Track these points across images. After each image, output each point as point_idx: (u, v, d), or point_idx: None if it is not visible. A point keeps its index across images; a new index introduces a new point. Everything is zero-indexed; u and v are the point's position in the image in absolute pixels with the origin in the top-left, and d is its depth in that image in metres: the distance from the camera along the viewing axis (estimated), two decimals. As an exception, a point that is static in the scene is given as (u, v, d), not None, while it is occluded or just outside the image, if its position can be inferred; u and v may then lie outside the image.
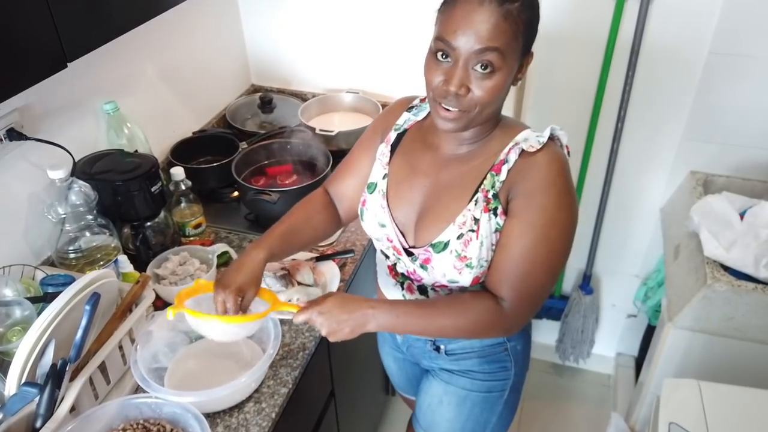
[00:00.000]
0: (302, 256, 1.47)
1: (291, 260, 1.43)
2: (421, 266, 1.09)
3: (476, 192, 1.02)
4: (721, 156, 1.81)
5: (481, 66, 0.91)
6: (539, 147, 0.98)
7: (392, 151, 1.15)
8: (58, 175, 1.24)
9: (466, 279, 1.05)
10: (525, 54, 0.96)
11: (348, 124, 1.88)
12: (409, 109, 1.18)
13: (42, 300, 1.13)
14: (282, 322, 1.26)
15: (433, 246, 1.05)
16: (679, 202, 1.84)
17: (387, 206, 1.13)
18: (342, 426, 1.65)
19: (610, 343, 2.40)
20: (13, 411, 0.95)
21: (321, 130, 1.79)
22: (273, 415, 1.13)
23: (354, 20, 1.90)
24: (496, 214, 1.00)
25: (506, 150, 1.01)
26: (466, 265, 1.03)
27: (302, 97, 2.05)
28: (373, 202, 1.15)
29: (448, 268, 1.05)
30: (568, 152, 1.03)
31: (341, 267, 1.46)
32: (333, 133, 1.79)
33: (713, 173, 1.84)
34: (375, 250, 1.67)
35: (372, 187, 1.16)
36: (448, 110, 0.96)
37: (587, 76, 1.82)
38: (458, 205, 1.03)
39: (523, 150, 0.99)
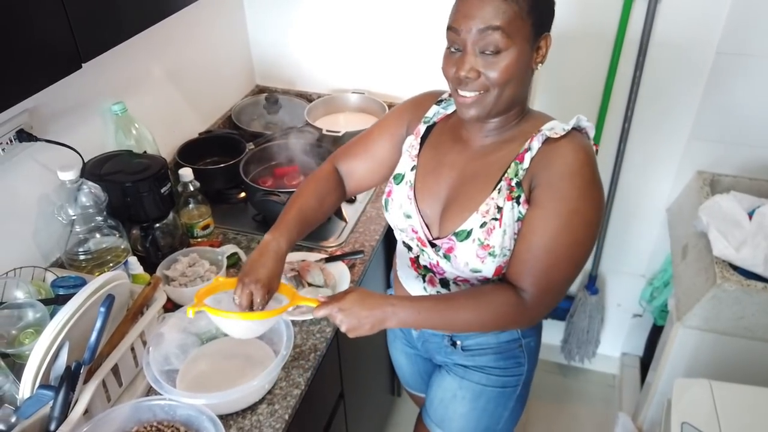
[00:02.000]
0: (312, 257, 1.46)
1: (300, 261, 1.42)
2: (444, 256, 1.08)
3: (500, 181, 1.02)
4: (728, 156, 1.81)
5: (487, 48, 0.93)
6: (563, 134, 0.98)
7: (421, 144, 1.16)
8: (68, 176, 1.23)
9: (489, 268, 1.04)
10: (538, 35, 0.96)
11: (354, 124, 1.88)
12: (438, 102, 1.18)
13: (54, 302, 1.13)
14: (293, 322, 1.26)
15: (456, 234, 1.05)
16: (686, 201, 1.84)
17: (414, 198, 1.13)
18: (351, 427, 1.64)
19: (615, 343, 2.40)
20: (28, 414, 0.95)
21: (328, 131, 1.79)
22: (286, 417, 1.13)
23: (359, 20, 1.89)
24: (519, 203, 1.00)
25: (530, 139, 1.01)
26: (489, 254, 1.02)
27: (307, 97, 2.05)
28: (399, 193, 1.15)
29: (471, 257, 1.04)
30: (597, 150, 1.03)
31: (351, 268, 1.45)
32: (340, 134, 1.78)
33: (720, 173, 1.84)
34: (383, 250, 1.68)
35: (399, 178, 1.16)
36: (464, 97, 0.98)
37: (594, 75, 1.81)
38: (482, 195, 1.03)
39: (547, 137, 0.99)
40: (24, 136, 1.22)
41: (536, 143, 1.00)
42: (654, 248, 2.09)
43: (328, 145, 1.71)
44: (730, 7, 1.59)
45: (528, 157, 1.00)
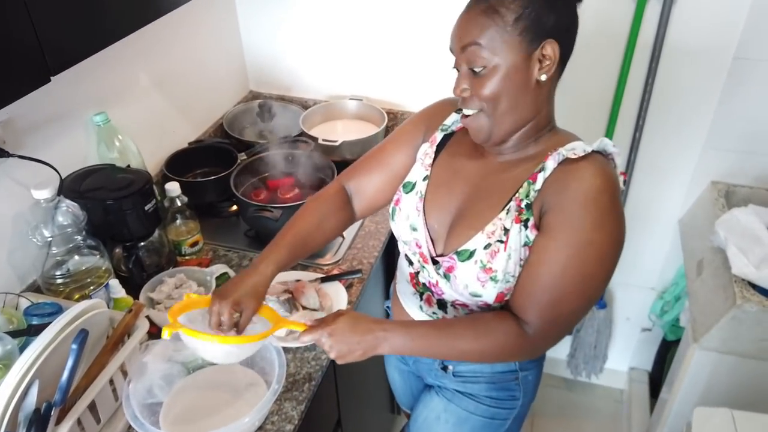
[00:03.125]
0: (307, 276, 1.38)
1: (295, 281, 1.34)
2: (444, 275, 1.01)
3: (510, 200, 0.95)
4: (744, 165, 1.73)
5: (474, 65, 0.91)
6: (582, 155, 0.90)
7: (436, 153, 1.08)
8: (43, 195, 1.14)
9: (489, 293, 0.97)
10: (534, 44, 0.88)
11: (352, 133, 1.79)
12: (459, 110, 1.09)
13: (26, 333, 1.04)
14: (286, 350, 1.18)
15: (458, 254, 0.98)
16: (699, 213, 1.76)
17: (422, 210, 1.06)
18: (349, 454, 1.56)
19: (623, 357, 2.32)
20: (-9, 463, 0.86)
21: (324, 140, 1.70)
22: (277, 455, 1.05)
23: (357, 23, 1.81)
24: (527, 227, 0.93)
25: (546, 157, 0.93)
26: (491, 278, 0.95)
27: (303, 104, 1.96)
28: (408, 203, 1.08)
29: (471, 280, 0.97)
30: (624, 181, 0.94)
31: (348, 287, 1.37)
32: (337, 143, 1.70)
33: (735, 183, 1.75)
34: (383, 268, 1.59)
35: (409, 187, 1.09)
36: (465, 115, 0.97)
37: (605, 81, 1.73)
38: (490, 214, 0.96)
39: (565, 158, 0.91)
40: (-5, 151, 1.13)
41: (551, 163, 0.92)
42: (665, 261, 2.01)
43: (325, 156, 1.62)
44: (749, 10, 1.51)
45: (541, 177, 0.92)
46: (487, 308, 1.02)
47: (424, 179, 1.08)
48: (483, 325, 0.96)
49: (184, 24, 1.65)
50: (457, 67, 0.95)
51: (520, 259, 0.94)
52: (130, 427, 1.07)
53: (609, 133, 1.80)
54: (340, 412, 1.44)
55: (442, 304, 1.07)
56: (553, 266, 0.89)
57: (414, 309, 1.14)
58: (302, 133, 1.76)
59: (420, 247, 1.06)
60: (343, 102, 1.91)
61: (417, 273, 1.10)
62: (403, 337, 0.97)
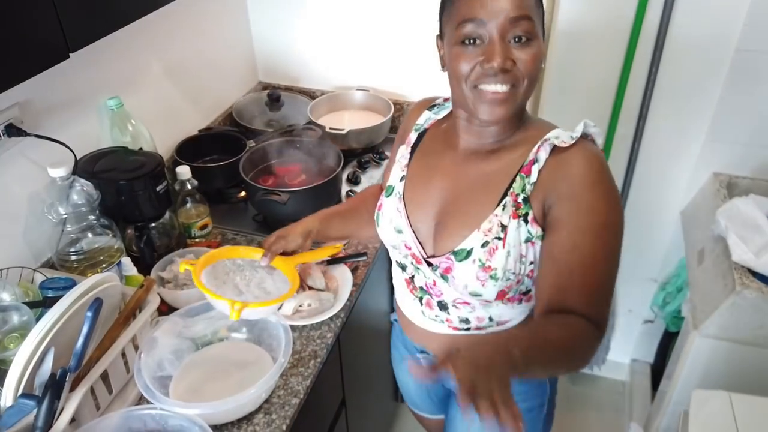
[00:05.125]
0: (313, 259, 1.41)
1: (301, 264, 1.37)
2: (442, 276, 1.00)
3: (504, 195, 0.94)
4: (746, 157, 1.75)
5: (518, 37, 0.86)
6: (572, 143, 0.90)
7: (412, 153, 1.09)
8: (58, 173, 1.18)
9: (490, 292, 0.96)
10: (543, 30, 0.91)
11: (359, 122, 1.82)
12: (431, 108, 1.11)
13: (41, 305, 1.08)
14: (292, 328, 1.21)
15: (454, 254, 0.97)
16: (701, 204, 1.78)
17: (404, 210, 1.05)
18: (352, 435, 1.59)
19: (625, 349, 2.33)
20: (9, 424, 0.89)
21: (331, 129, 1.73)
22: (283, 427, 1.07)
23: (364, 15, 1.84)
24: (526, 221, 0.92)
25: (535, 149, 0.93)
26: (491, 276, 0.94)
27: (311, 94, 1.99)
28: (389, 206, 1.08)
29: (471, 279, 0.96)
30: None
31: (353, 271, 1.40)
32: (343, 132, 1.73)
33: (737, 175, 1.77)
34: (387, 252, 1.62)
35: (389, 190, 1.09)
36: (496, 92, 0.88)
37: (608, 73, 1.75)
38: (483, 210, 0.95)
39: (554, 147, 0.91)
40: (13, 130, 1.17)
41: (543, 154, 0.92)
42: (667, 252, 2.03)
43: (332, 144, 1.65)
44: (751, 2, 1.53)
45: (535, 169, 0.92)
46: (488, 304, 1.01)
47: (401, 179, 1.07)
48: (574, 340, 0.86)
49: (195, 15, 1.68)
50: (481, 39, 0.87)
51: (521, 256, 0.93)
52: (141, 397, 1.11)
53: (612, 124, 1.82)
54: (344, 393, 1.47)
55: (442, 306, 1.06)
56: (584, 255, 0.88)
57: (416, 315, 1.12)
58: (310, 122, 1.79)
59: (409, 249, 1.05)
60: (350, 92, 1.94)
61: (412, 277, 1.09)
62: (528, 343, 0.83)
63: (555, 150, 0.91)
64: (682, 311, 1.89)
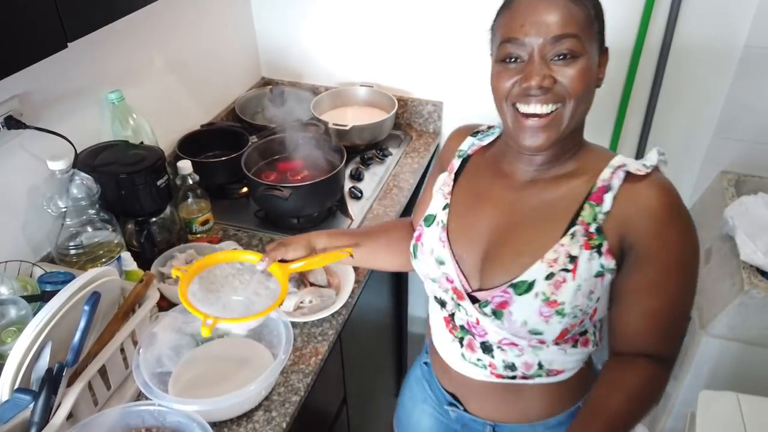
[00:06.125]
0: (310, 267, 1.39)
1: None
2: (494, 312, 0.90)
3: (572, 224, 0.87)
4: (755, 155, 1.72)
5: (560, 56, 0.82)
6: (649, 171, 0.85)
7: (455, 180, 1.02)
8: (58, 166, 1.17)
9: (553, 330, 0.88)
10: (602, 46, 0.88)
11: (362, 118, 1.80)
12: (474, 134, 1.05)
13: (39, 299, 1.06)
14: (293, 324, 1.19)
15: (513, 287, 0.88)
16: (708, 203, 1.75)
17: (447, 240, 0.97)
18: (354, 434, 1.57)
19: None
20: (4, 419, 0.88)
21: (334, 125, 1.72)
22: (284, 425, 1.06)
23: (368, 10, 1.82)
24: (600, 253, 0.85)
25: (606, 175, 0.87)
26: (557, 312, 0.86)
27: (314, 90, 1.98)
28: (430, 236, 1.00)
29: (532, 315, 0.87)
30: None
31: (355, 268, 1.38)
32: (347, 128, 1.72)
33: (746, 173, 1.75)
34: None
35: (430, 220, 1.01)
36: (536, 116, 0.84)
37: (614, 69, 1.73)
38: (547, 239, 0.87)
39: (628, 174, 0.86)
40: (13, 123, 1.16)
41: (617, 181, 0.86)
42: (673, 252, 2.00)
43: (335, 139, 1.64)
44: (760, -2, 1.51)
45: (609, 197, 0.85)
46: (538, 348, 0.93)
47: (444, 208, 1.00)
48: (640, 387, 0.89)
49: (197, 9, 1.67)
50: (521, 58, 0.84)
51: (590, 291, 0.87)
52: (139, 393, 1.09)
53: (619, 122, 1.80)
54: (345, 391, 1.45)
55: (486, 348, 0.96)
56: (669, 294, 0.87)
57: (455, 359, 1.01)
58: (313, 118, 1.78)
59: (452, 282, 0.96)
60: (354, 88, 1.93)
61: (452, 315, 0.99)
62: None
63: (628, 178, 0.86)
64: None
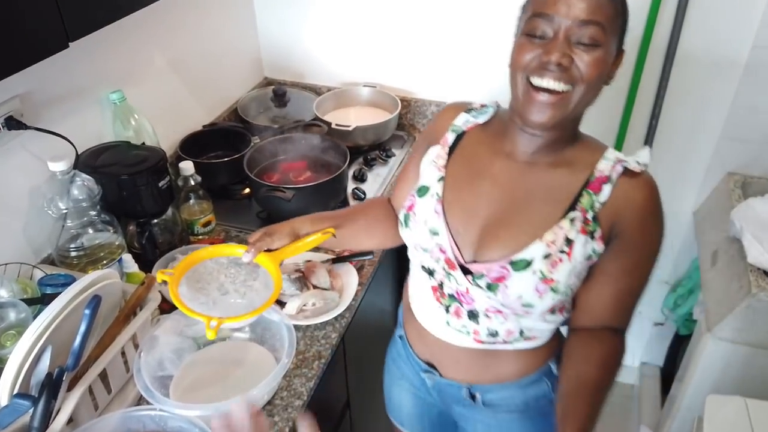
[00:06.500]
0: (318, 257, 1.38)
1: (306, 262, 1.34)
2: (489, 285, 0.94)
3: (570, 209, 0.92)
4: (761, 156, 1.71)
5: (584, 40, 0.85)
6: (644, 169, 0.92)
7: (449, 154, 1.04)
8: (59, 167, 1.15)
9: (545, 304, 0.93)
10: (620, 45, 0.90)
11: (365, 119, 1.79)
12: (468, 111, 1.06)
13: (39, 302, 1.05)
14: (296, 328, 1.18)
15: (512, 264, 0.91)
16: (715, 204, 1.74)
17: (443, 211, 0.99)
18: (357, 438, 1.56)
19: (634, 352, 2.29)
20: (3, 425, 0.87)
21: (337, 125, 1.71)
22: (286, 430, 1.05)
23: (371, 10, 1.81)
24: (593, 238, 0.91)
25: (607, 166, 0.92)
26: (552, 289, 0.91)
27: (317, 90, 1.97)
28: (424, 207, 1.01)
29: (528, 290, 0.91)
30: None
31: (359, 269, 1.37)
32: (350, 128, 1.70)
33: (753, 175, 1.73)
34: (394, 251, 1.58)
35: (424, 191, 1.02)
36: (548, 91, 0.87)
37: (620, 69, 1.71)
38: (546, 221, 0.92)
39: (625, 169, 0.92)
40: (13, 123, 1.15)
41: (616, 175, 0.91)
42: (678, 253, 1.99)
43: (338, 140, 1.62)
44: (768, -2, 1.49)
45: (607, 188, 0.91)
46: (522, 316, 0.97)
47: (440, 180, 1.02)
48: (608, 358, 0.99)
49: (200, 9, 1.66)
50: (547, 34, 0.87)
51: (581, 272, 0.94)
52: (140, 397, 1.08)
53: (624, 123, 1.78)
54: (349, 395, 1.44)
55: (473, 315, 0.99)
56: (641, 277, 0.98)
57: (439, 325, 1.04)
58: (316, 119, 1.77)
59: (444, 252, 0.98)
60: (357, 89, 1.91)
61: (441, 284, 1.01)
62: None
63: (625, 174, 0.92)
64: (694, 314, 1.85)
